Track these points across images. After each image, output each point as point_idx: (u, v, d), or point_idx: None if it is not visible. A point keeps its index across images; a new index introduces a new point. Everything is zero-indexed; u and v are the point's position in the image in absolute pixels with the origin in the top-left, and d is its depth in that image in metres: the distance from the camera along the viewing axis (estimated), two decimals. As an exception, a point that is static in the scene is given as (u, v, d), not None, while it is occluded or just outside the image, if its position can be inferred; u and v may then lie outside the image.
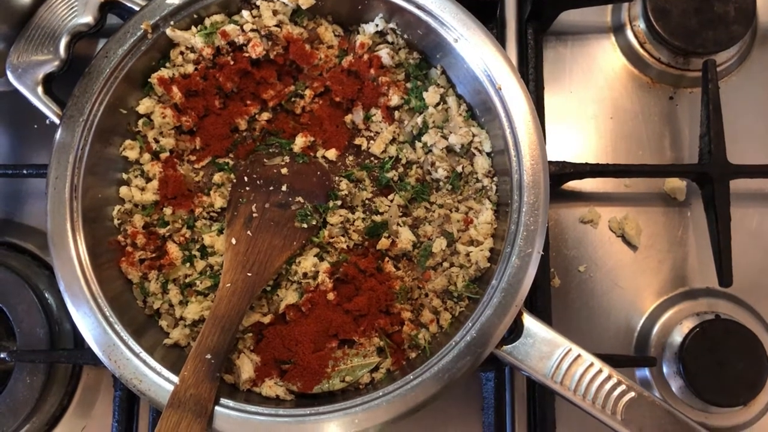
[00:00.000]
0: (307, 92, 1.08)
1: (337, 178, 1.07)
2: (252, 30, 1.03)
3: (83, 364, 1.12)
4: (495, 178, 1.04)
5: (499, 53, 0.98)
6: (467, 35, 0.98)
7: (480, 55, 0.98)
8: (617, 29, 1.23)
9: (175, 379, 0.91)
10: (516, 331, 0.93)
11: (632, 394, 0.88)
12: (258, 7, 1.04)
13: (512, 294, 0.91)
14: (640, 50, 1.21)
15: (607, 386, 0.89)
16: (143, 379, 0.91)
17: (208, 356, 0.91)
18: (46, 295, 1.13)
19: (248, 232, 1.00)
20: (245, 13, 1.04)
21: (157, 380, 0.91)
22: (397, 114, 1.08)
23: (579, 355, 0.90)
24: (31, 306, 1.11)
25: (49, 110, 1.02)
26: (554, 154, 1.17)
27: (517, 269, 0.92)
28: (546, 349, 0.91)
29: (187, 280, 1.02)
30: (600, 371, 0.90)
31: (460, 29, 0.99)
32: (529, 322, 0.93)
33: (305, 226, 1.01)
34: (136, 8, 1.03)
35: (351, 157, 1.09)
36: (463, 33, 0.99)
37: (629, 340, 1.14)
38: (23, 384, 1.09)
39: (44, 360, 1.07)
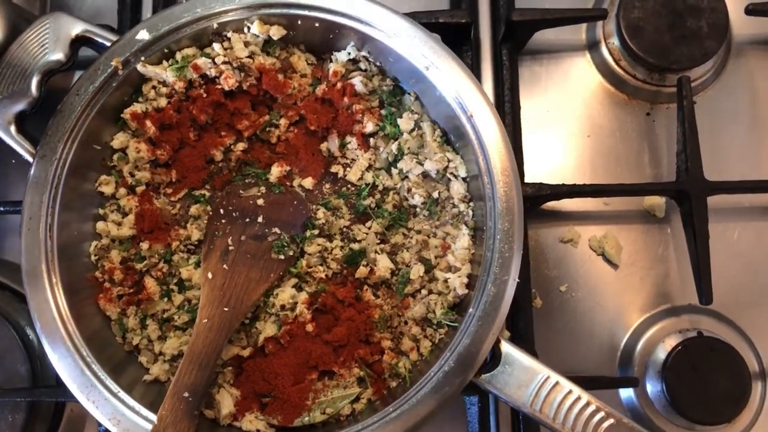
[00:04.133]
0: (282, 121, 1.08)
1: (314, 206, 1.07)
2: (224, 62, 1.03)
3: (65, 401, 1.11)
4: (471, 203, 1.04)
5: (469, 80, 0.98)
6: (437, 63, 0.98)
7: (451, 82, 0.98)
8: (592, 47, 1.23)
9: (154, 417, 0.90)
10: (494, 358, 0.93)
11: (611, 420, 0.88)
12: (229, 40, 1.04)
13: (489, 322, 0.91)
14: (616, 67, 1.21)
15: (586, 413, 0.89)
16: (121, 420, 0.91)
17: (186, 394, 0.91)
18: (28, 331, 1.12)
19: (224, 266, 1.00)
20: (216, 45, 1.03)
21: (136, 420, 0.91)
22: (372, 141, 1.08)
23: (557, 383, 0.90)
24: (12, 343, 1.11)
25: (22, 149, 1.01)
26: (532, 174, 1.17)
27: (493, 297, 0.92)
28: (524, 377, 0.91)
29: (165, 315, 1.02)
30: (579, 398, 0.89)
31: (430, 57, 0.99)
32: (508, 349, 0.93)
33: (282, 257, 1.01)
34: (108, 44, 1.03)
35: (328, 185, 1.09)
36: (433, 61, 0.99)
37: (613, 359, 1.14)
38: (5, 422, 1.08)
39: (25, 398, 1.07)
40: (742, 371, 1.06)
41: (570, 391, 0.90)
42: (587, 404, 0.89)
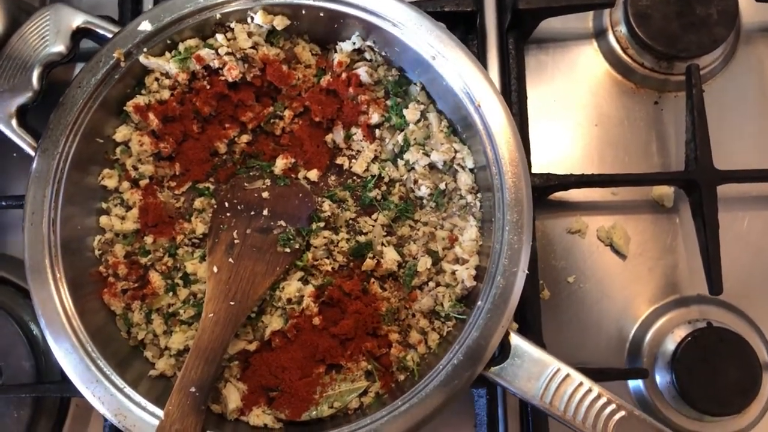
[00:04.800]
0: (287, 113, 1.07)
1: (319, 199, 1.05)
2: (227, 53, 1.02)
3: (70, 396, 1.11)
4: (479, 195, 1.03)
5: (477, 69, 0.96)
6: (444, 52, 0.97)
7: (458, 71, 0.97)
8: (599, 35, 1.22)
9: (160, 413, 0.90)
10: (504, 351, 0.92)
11: (622, 413, 0.87)
12: (232, 30, 1.03)
13: (498, 315, 0.90)
14: (623, 55, 1.19)
15: (597, 405, 0.88)
16: (128, 415, 0.90)
17: (193, 389, 0.90)
18: (32, 326, 1.12)
19: (230, 260, 0.98)
20: (219, 36, 1.02)
21: (142, 415, 0.90)
22: (378, 132, 1.07)
23: (568, 375, 0.89)
24: (16, 339, 1.10)
25: (23, 142, 1.00)
26: (538, 164, 1.16)
27: (502, 289, 0.91)
28: (535, 370, 0.90)
29: (170, 310, 1.01)
30: (589, 390, 0.88)
31: (437, 46, 0.97)
32: (517, 341, 0.92)
33: (288, 250, 1.00)
34: (109, 35, 1.02)
35: (333, 177, 1.08)
36: (440, 50, 0.97)
37: (621, 350, 1.13)
38: (10, 418, 1.07)
39: (30, 393, 1.06)
40: (752, 362, 1.05)
41: (580, 384, 0.89)
42: (598, 396, 0.88)
